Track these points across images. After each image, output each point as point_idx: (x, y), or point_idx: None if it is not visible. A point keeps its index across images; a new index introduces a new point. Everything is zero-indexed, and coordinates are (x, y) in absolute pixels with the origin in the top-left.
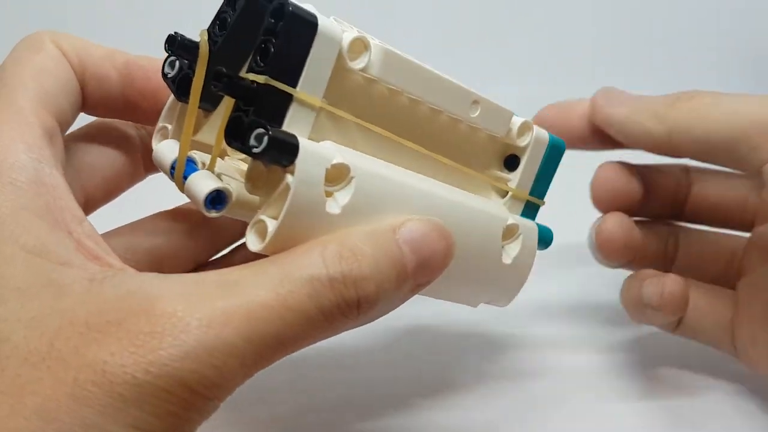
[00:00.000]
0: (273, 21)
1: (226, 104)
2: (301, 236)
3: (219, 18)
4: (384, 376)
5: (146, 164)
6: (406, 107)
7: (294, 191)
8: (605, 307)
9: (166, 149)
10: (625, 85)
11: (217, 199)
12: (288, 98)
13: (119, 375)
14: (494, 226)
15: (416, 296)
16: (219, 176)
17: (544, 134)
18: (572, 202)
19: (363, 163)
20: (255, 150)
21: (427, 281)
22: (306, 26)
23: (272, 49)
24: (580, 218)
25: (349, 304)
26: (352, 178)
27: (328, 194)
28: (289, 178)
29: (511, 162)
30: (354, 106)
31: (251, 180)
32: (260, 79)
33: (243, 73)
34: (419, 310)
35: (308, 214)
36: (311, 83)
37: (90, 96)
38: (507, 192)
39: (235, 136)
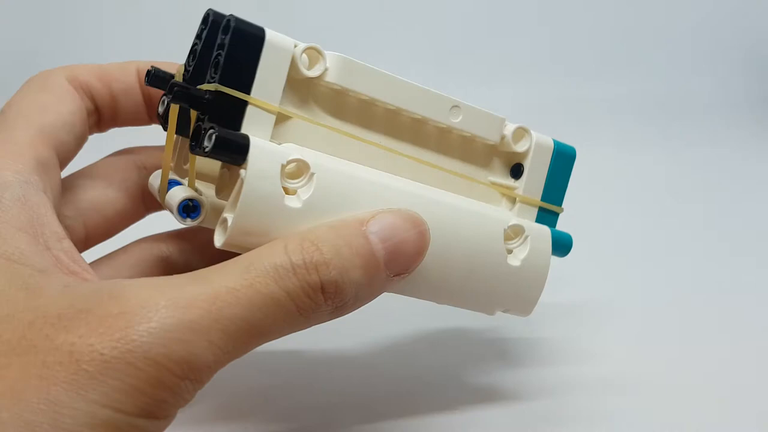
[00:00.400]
0: (224, 36)
1: None
2: (263, 231)
3: (192, 51)
4: (384, 376)
5: (146, 204)
6: (384, 116)
7: (246, 183)
8: (618, 315)
9: (158, 175)
10: (626, 84)
11: (190, 207)
12: (243, 104)
13: (86, 353)
14: (492, 227)
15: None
16: (198, 191)
17: (548, 140)
18: (590, 205)
19: (326, 161)
20: (207, 149)
21: (404, 270)
22: (252, 38)
23: (221, 60)
24: (598, 222)
25: (313, 288)
26: (312, 174)
27: (292, 191)
28: (242, 172)
29: (516, 170)
30: (330, 115)
31: (219, 186)
32: (211, 87)
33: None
34: (421, 310)
35: (265, 208)
36: (265, 90)
37: (122, 109)
38: (516, 199)
39: (195, 142)
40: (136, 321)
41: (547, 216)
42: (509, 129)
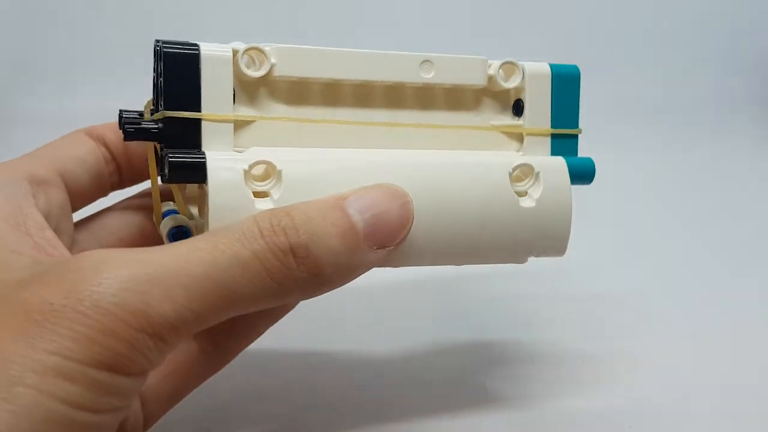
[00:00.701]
0: (161, 63)
1: None
2: None
3: (153, 84)
4: (385, 376)
5: None
6: (353, 91)
7: (210, 199)
8: (623, 318)
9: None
10: (626, 84)
11: (180, 234)
12: (197, 122)
13: (37, 304)
14: (494, 173)
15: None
16: (191, 216)
17: (543, 67)
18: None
19: (293, 155)
20: (166, 176)
21: (388, 242)
22: (185, 58)
23: (161, 87)
24: (599, 222)
25: (282, 250)
26: (280, 171)
27: (264, 193)
28: (206, 188)
29: (518, 106)
30: (294, 104)
31: (199, 207)
32: (158, 116)
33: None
34: (424, 311)
35: (237, 217)
36: (215, 102)
37: (137, 157)
38: (522, 136)
39: (162, 172)
40: (90, 274)
41: (563, 142)
42: (495, 67)
